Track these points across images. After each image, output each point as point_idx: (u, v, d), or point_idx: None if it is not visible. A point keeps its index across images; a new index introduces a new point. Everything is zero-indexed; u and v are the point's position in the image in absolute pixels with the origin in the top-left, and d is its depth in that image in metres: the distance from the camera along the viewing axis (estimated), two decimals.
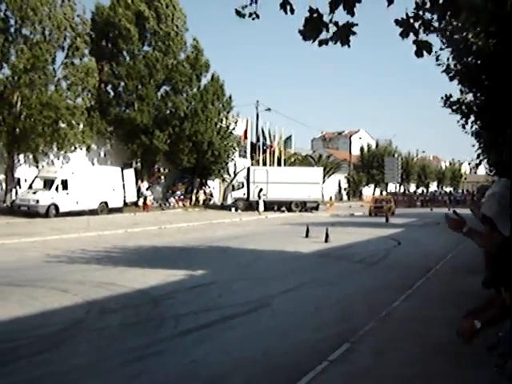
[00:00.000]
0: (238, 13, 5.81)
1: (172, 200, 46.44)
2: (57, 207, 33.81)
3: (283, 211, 47.69)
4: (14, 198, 35.09)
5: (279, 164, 58.53)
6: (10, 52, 33.95)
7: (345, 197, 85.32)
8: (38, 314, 10.85)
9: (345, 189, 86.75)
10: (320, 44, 5.69)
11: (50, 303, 11.65)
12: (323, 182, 52.71)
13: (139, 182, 43.14)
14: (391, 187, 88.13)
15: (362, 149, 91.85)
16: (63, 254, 19.02)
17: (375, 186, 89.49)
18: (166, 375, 7.78)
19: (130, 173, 40.64)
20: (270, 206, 48.00)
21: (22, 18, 33.21)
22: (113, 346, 9.11)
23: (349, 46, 5.75)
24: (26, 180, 35.91)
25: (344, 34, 5.65)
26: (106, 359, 8.43)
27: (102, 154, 44.16)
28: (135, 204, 41.39)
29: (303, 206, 49.20)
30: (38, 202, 33.03)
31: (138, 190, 42.48)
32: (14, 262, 17.42)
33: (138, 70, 43.07)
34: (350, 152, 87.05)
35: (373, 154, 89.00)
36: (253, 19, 5.85)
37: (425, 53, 5.89)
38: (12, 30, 34.25)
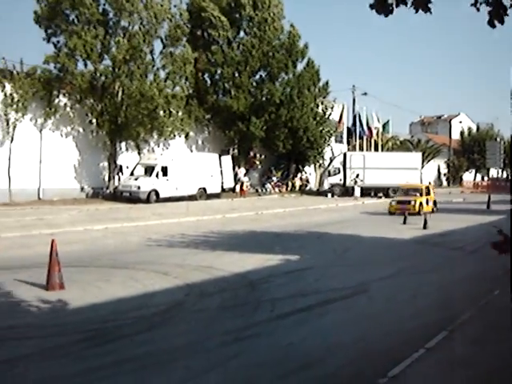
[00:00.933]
0: None
1: (268, 186, 46.79)
2: (157, 193, 34.84)
3: (380, 197, 47.04)
4: (116, 184, 36.42)
5: (376, 149, 57.69)
6: (111, 44, 35.13)
7: (444, 183, 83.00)
8: (140, 295, 11.27)
9: (444, 174, 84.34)
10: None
11: (151, 285, 12.07)
12: (422, 167, 51.44)
13: (236, 168, 43.70)
14: (493, 172, 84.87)
15: (462, 133, 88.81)
16: (163, 238, 19.60)
17: (476, 172, 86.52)
18: (263, 357, 7.92)
19: (227, 159, 41.25)
20: (366, 191, 47.44)
21: (120, 9, 34.24)
22: (211, 327, 9.35)
23: (430, 12, 5.63)
24: (127, 167, 37.14)
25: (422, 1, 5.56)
26: (205, 340, 8.68)
27: (200, 141, 45.01)
28: (232, 190, 42.01)
29: None
30: (139, 188, 34.15)
31: (235, 175, 43.05)
32: (117, 246, 18.15)
33: (234, 58, 43.53)
34: (450, 136, 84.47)
35: (474, 139, 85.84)
36: None
37: None
38: (111, 23, 35.39)
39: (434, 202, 33.52)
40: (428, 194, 32.91)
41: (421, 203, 31.17)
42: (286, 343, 8.40)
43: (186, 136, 40.71)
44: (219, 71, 44.09)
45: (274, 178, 48.52)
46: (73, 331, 9.05)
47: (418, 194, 32.14)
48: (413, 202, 30.77)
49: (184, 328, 9.49)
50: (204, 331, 9.16)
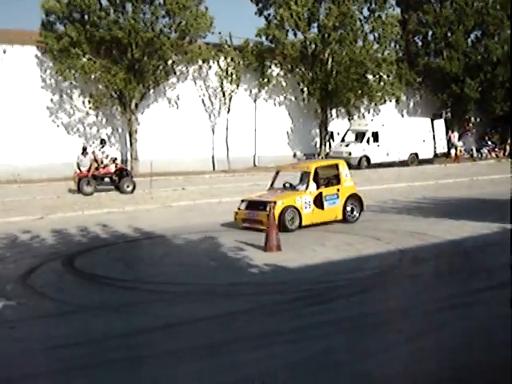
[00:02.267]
0: None
1: (484, 151, 44.50)
2: (368, 159, 34.81)
3: None
4: (327, 150, 37.00)
5: None
6: (319, 12, 35.44)
7: None
8: (354, 258, 11.51)
9: None
10: None
11: (364, 249, 12.25)
12: None
13: (449, 132, 42.12)
14: None
15: None
16: (375, 204, 19.57)
17: None
18: (476, 326, 7.70)
19: (439, 123, 39.91)
20: None
21: None
22: (424, 293, 9.31)
23: None
24: (338, 133, 37.48)
25: None
26: (418, 305, 8.67)
27: (412, 106, 44.00)
28: (445, 155, 40.63)
29: None
30: (350, 154, 34.35)
31: (449, 140, 41.54)
32: None
33: (447, 17, 41.67)
34: None
35: None
36: None
37: None
38: None
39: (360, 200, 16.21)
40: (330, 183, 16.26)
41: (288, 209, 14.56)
42: (502, 314, 8.08)
43: (397, 100, 39.98)
44: (430, 32, 42.53)
45: (490, 143, 46.02)
46: (289, 290, 9.56)
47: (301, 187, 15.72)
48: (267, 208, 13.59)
49: (397, 292, 9.56)
50: (417, 296, 9.15)
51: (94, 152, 23.93)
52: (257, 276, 10.47)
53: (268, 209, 13.04)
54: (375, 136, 35.10)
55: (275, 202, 13.97)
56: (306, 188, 15.28)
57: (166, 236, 14.44)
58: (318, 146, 37.88)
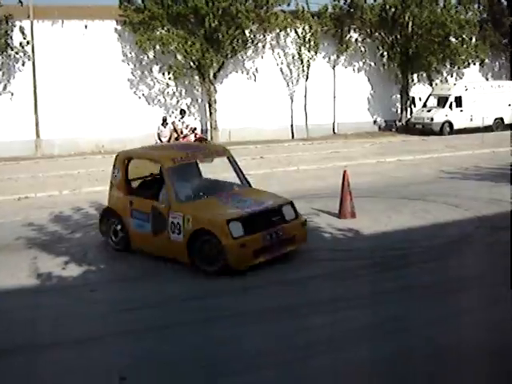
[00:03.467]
0: None
1: None
2: (451, 124, 33.86)
3: None
4: (409, 116, 36.21)
5: None
6: None
7: None
8: (429, 225, 11.35)
9: None
10: None
11: (441, 216, 12.04)
12: None
13: None
14: None
15: None
16: (456, 171, 19.13)
17: None
18: None
19: None
20: None
21: None
22: (500, 261, 9.09)
23: None
24: (420, 98, 36.57)
25: None
26: (493, 274, 8.52)
27: (497, 68, 42.29)
28: None
29: None
30: (432, 119, 33.55)
31: None
32: (408, 178, 18.23)
33: None
34: None
35: None
36: None
37: None
38: None
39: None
40: None
41: None
42: None
43: (481, 63, 38.51)
44: None
45: None
46: (362, 256, 9.57)
47: None
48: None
49: (472, 261, 9.40)
50: (492, 265, 8.97)
51: (173, 122, 24.36)
52: (330, 242, 10.52)
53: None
54: (458, 101, 34.06)
55: None
56: None
57: None
58: (399, 112, 37.13)
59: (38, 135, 29.11)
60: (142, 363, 6.05)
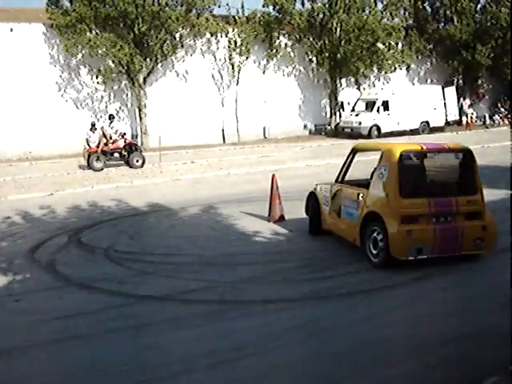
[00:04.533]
0: None
1: (496, 118, 44.11)
2: (379, 128, 34.57)
3: None
4: (338, 120, 36.84)
5: None
6: None
7: None
8: None
9: None
10: None
11: None
12: None
13: (461, 99, 41.71)
14: None
15: None
16: None
17: None
18: None
19: (451, 91, 39.52)
20: None
21: None
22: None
23: None
24: (348, 103, 37.27)
25: None
26: None
27: (422, 73, 43.48)
28: (457, 123, 40.31)
29: None
30: (360, 123, 34.22)
31: (460, 108, 41.18)
32: None
33: None
34: None
35: None
36: None
37: None
38: None
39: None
40: None
41: None
42: None
43: (407, 68, 39.67)
44: None
45: (503, 110, 45.56)
46: (291, 258, 9.67)
47: None
48: None
49: None
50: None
51: (102, 127, 24.05)
52: (259, 245, 10.60)
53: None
54: (385, 105, 34.87)
55: None
56: None
57: (172, 209, 14.60)
58: (328, 116, 37.73)
59: None
60: (70, 371, 5.95)
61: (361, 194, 9.33)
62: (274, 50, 35.08)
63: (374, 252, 8.81)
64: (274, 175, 12.48)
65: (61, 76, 30.43)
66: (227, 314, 7.31)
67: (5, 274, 9.34)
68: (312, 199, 11.20)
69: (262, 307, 7.54)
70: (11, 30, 29.16)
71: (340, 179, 10.44)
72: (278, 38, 35.46)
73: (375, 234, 8.78)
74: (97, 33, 29.39)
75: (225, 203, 14.77)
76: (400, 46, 37.38)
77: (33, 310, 7.76)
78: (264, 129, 35.49)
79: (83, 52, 29.53)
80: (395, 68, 37.41)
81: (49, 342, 6.71)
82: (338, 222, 10.08)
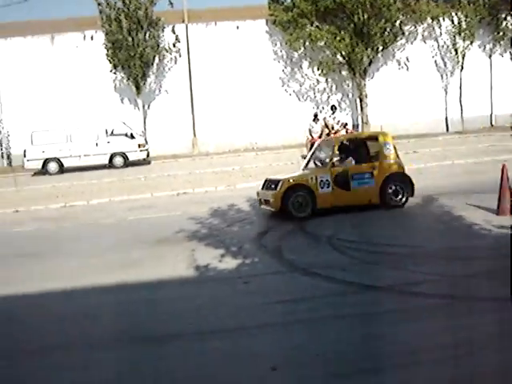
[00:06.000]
0: None
1: None
2: None
3: None
4: None
5: None
6: None
7: None
8: None
9: None
10: None
11: None
12: None
13: None
14: None
15: None
16: None
17: None
18: None
19: None
20: None
21: None
22: None
23: None
24: None
25: None
26: None
27: None
28: None
29: None
30: None
31: None
32: None
33: None
34: None
35: None
36: None
37: None
38: None
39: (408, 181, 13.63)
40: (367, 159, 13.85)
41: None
42: None
43: None
44: None
45: None
46: None
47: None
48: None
49: None
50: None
51: (324, 119, 24.44)
52: (485, 240, 10.08)
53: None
54: None
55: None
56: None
57: None
58: None
59: (194, 134, 30.46)
60: (292, 355, 6.14)
61: None
62: (501, 33, 33.06)
63: None
64: (504, 165, 11.78)
65: (283, 70, 31.55)
66: (455, 310, 7.06)
67: (235, 257, 9.93)
68: None
69: (491, 304, 7.16)
70: (237, 27, 30.83)
71: None
72: (505, 19, 33.31)
73: None
74: (317, 26, 29.94)
75: (448, 194, 14.25)
76: None
77: (259, 292, 8.15)
78: (491, 116, 33.67)
79: (305, 45, 30.28)
80: None
81: (274, 324, 6.99)
82: None
